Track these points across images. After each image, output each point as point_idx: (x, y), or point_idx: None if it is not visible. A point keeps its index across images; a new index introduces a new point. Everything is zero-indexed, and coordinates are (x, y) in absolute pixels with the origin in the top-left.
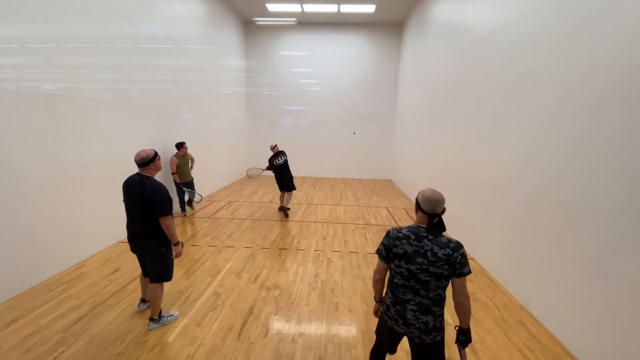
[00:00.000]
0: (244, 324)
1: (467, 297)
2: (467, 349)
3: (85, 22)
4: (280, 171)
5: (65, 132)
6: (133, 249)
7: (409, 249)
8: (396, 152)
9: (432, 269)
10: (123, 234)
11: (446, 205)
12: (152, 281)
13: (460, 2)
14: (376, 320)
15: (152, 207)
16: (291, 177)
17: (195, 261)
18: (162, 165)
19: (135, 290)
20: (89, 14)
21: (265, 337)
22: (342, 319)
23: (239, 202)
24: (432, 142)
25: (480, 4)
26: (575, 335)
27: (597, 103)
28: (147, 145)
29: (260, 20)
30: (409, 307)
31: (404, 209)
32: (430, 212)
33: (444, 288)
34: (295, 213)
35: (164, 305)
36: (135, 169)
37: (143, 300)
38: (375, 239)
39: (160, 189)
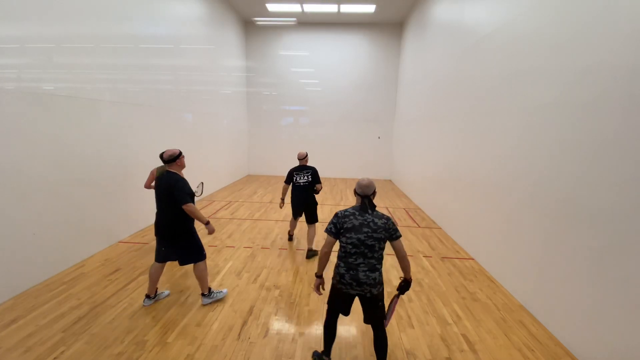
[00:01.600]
0: (244, 324)
1: (405, 254)
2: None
3: (85, 22)
4: (300, 192)
5: (65, 132)
6: (157, 233)
7: (356, 222)
8: (396, 152)
9: (375, 235)
10: (123, 234)
11: (446, 204)
12: (195, 262)
13: (460, 3)
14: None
15: (174, 198)
16: (315, 204)
17: None
18: (184, 163)
19: (135, 290)
20: (89, 14)
21: (265, 337)
22: (342, 319)
23: (239, 202)
24: (432, 142)
25: (480, 4)
26: (575, 335)
27: (596, 103)
28: (147, 144)
29: (260, 20)
30: (361, 269)
31: (404, 209)
32: (362, 195)
33: (383, 249)
34: None
35: (164, 308)
36: (136, 169)
37: (148, 297)
38: None
39: (182, 182)
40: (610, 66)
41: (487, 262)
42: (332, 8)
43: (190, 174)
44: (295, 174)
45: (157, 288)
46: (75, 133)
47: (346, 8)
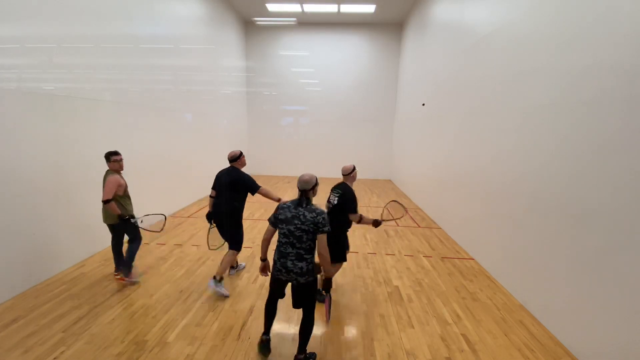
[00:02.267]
0: (244, 324)
1: (325, 249)
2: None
3: (85, 22)
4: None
5: (65, 132)
6: (217, 221)
7: (289, 215)
8: (396, 152)
9: (303, 227)
10: None
11: (446, 204)
12: (232, 248)
13: (460, 3)
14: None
15: (247, 187)
16: (345, 239)
17: (195, 261)
18: (247, 162)
19: (135, 290)
20: (89, 14)
21: None
22: (342, 319)
23: None
24: (432, 142)
25: (480, 4)
26: (575, 335)
27: (596, 103)
28: (147, 144)
29: (260, 20)
30: (289, 257)
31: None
32: (301, 189)
33: (312, 241)
34: None
35: (164, 305)
36: (136, 169)
37: (231, 267)
38: (375, 239)
39: (247, 175)
40: (610, 66)
41: (487, 262)
42: (332, 8)
43: (191, 174)
44: (332, 194)
45: (237, 261)
46: (75, 133)
47: (346, 8)
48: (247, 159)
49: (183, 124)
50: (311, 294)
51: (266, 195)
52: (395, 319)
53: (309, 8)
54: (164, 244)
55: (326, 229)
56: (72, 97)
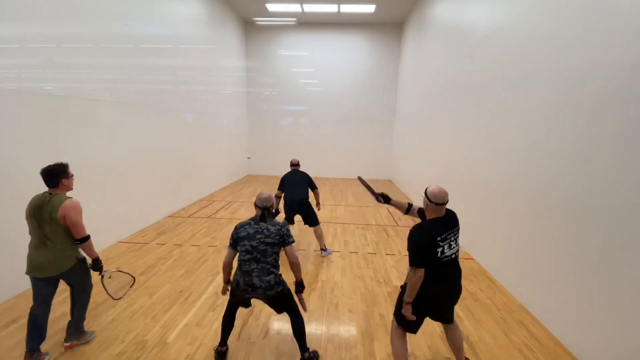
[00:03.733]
0: (244, 324)
1: (297, 258)
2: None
3: (85, 22)
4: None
5: (65, 132)
6: (297, 211)
7: (251, 231)
8: (396, 152)
9: (267, 240)
10: (123, 234)
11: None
12: (315, 225)
13: (460, 3)
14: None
15: (311, 185)
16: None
17: (195, 261)
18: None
19: (135, 290)
20: (89, 14)
21: (265, 337)
22: (342, 319)
23: (239, 202)
24: (432, 142)
25: (480, 4)
26: (575, 335)
27: (597, 103)
28: (147, 144)
29: (260, 20)
30: (254, 274)
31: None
32: (262, 207)
33: (277, 253)
34: None
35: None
36: (136, 169)
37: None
38: (375, 239)
39: (309, 175)
40: (610, 66)
41: (487, 262)
42: (332, 8)
43: (191, 174)
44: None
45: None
46: (75, 133)
47: (346, 8)
48: (247, 158)
49: (183, 124)
50: (288, 300)
51: (318, 194)
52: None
53: (309, 8)
54: (164, 244)
55: (291, 239)
56: (72, 97)
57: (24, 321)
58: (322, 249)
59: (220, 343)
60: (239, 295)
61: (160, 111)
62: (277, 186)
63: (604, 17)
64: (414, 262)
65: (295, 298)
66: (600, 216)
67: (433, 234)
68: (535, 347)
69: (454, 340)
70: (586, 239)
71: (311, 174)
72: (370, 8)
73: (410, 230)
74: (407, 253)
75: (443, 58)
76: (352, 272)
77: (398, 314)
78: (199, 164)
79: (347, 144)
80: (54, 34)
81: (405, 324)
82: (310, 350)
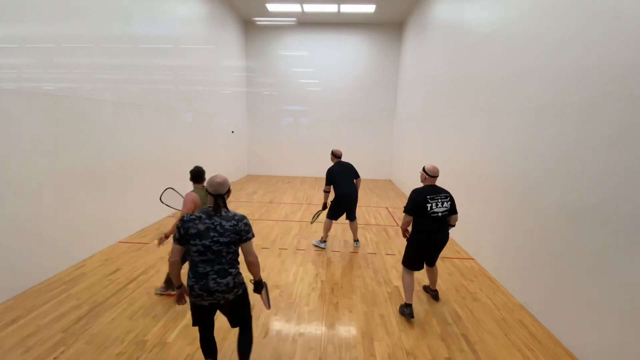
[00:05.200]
0: None
1: (255, 256)
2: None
3: (85, 22)
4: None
5: (65, 132)
6: (347, 206)
7: (202, 227)
8: (396, 152)
9: (222, 239)
10: (123, 234)
11: None
12: (355, 219)
13: (460, 3)
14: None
15: (356, 174)
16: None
17: None
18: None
19: (135, 290)
20: (89, 14)
21: (265, 337)
22: (342, 319)
23: (239, 202)
24: (432, 142)
25: (480, 4)
26: (575, 335)
27: (597, 102)
28: (147, 144)
29: (260, 20)
30: (210, 277)
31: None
32: (215, 194)
33: (234, 252)
34: (295, 213)
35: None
36: (135, 169)
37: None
38: (375, 239)
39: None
40: (610, 66)
41: (487, 262)
42: (332, 8)
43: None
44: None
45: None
46: (75, 133)
47: (346, 8)
48: (247, 158)
49: (183, 124)
50: (246, 306)
51: (359, 183)
52: (395, 319)
53: (309, 8)
54: (164, 244)
55: (250, 235)
56: (72, 97)
57: (24, 321)
58: (355, 241)
59: None
60: (195, 306)
61: (160, 111)
62: (276, 186)
63: (604, 17)
64: (406, 209)
65: (256, 297)
66: (600, 216)
67: (424, 193)
68: (535, 347)
69: (433, 275)
70: (586, 239)
71: (311, 174)
72: (370, 8)
73: (411, 190)
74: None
75: (443, 58)
76: (352, 272)
77: (405, 261)
78: (199, 163)
79: (347, 144)
80: (54, 34)
81: (410, 265)
82: None
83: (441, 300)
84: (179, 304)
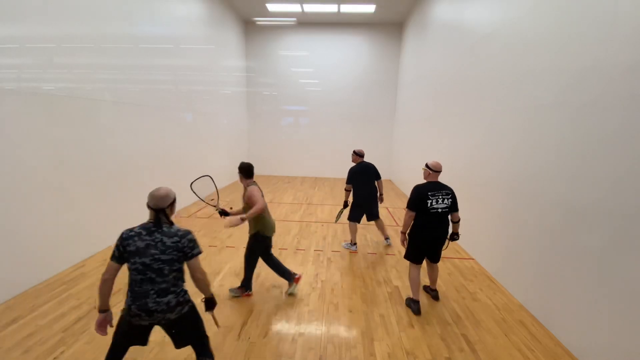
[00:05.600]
0: (244, 324)
1: (203, 273)
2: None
3: (85, 22)
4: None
5: (65, 132)
6: (366, 208)
7: (141, 245)
8: (396, 152)
9: (163, 257)
10: None
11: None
12: (378, 218)
13: (460, 3)
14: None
15: (377, 175)
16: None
17: None
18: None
19: None
20: (89, 14)
21: (265, 337)
22: (342, 319)
23: (239, 202)
24: (432, 142)
25: (479, 4)
26: (575, 335)
27: (597, 103)
28: (147, 144)
29: (260, 20)
30: (150, 297)
31: (404, 209)
32: (155, 208)
33: (178, 270)
34: (295, 213)
35: None
36: (135, 169)
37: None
38: (375, 239)
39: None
40: (610, 66)
41: (487, 262)
42: (332, 8)
43: (191, 174)
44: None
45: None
46: (75, 133)
47: (346, 8)
48: (247, 158)
49: (183, 124)
50: (197, 325)
51: (381, 185)
52: (395, 319)
53: (309, 8)
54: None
55: (196, 251)
56: (72, 97)
57: (24, 321)
58: (386, 238)
59: None
60: (130, 325)
61: (160, 111)
62: (276, 186)
63: (604, 17)
64: (408, 205)
65: (208, 316)
66: (600, 216)
67: (425, 190)
68: (535, 347)
69: (433, 274)
70: (586, 239)
71: (311, 174)
72: (370, 8)
73: (414, 187)
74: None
75: (443, 58)
76: (352, 272)
77: (407, 255)
78: (199, 163)
79: (347, 144)
80: (54, 34)
81: (412, 258)
82: None
83: (441, 300)
84: (100, 333)
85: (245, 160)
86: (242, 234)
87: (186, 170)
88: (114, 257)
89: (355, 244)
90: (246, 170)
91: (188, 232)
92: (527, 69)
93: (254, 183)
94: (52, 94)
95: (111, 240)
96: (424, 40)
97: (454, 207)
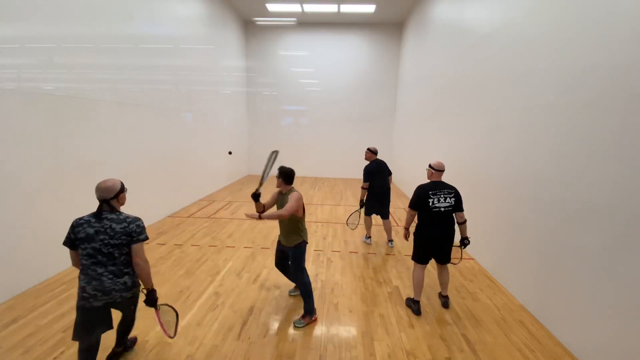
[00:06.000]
0: (244, 324)
1: (144, 260)
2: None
3: (85, 22)
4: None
5: (65, 132)
6: (381, 202)
7: (91, 231)
8: (396, 152)
9: (112, 242)
10: None
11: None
12: (388, 218)
13: (460, 3)
14: None
15: (389, 171)
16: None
17: (195, 261)
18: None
19: None
20: (89, 14)
21: (265, 337)
22: (342, 319)
23: (239, 202)
24: (432, 142)
25: (479, 4)
26: (575, 335)
27: (596, 103)
28: (147, 144)
29: (260, 20)
30: (105, 277)
31: (404, 209)
32: (100, 199)
33: (128, 254)
34: None
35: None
36: (135, 169)
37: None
38: (375, 239)
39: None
40: (610, 66)
41: (487, 262)
42: (332, 8)
43: (190, 174)
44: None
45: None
46: (75, 133)
47: (346, 8)
48: (247, 158)
49: (183, 124)
50: (134, 308)
51: (390, 180)
52: (395, 319)
53: (309, 8)
54: (164, 244)
55: (142, 237)
56: (72, 97)
57: (24, 321)
58: (389, 240)
59: None
60: (84, 309)
61: (160, 111)
62: (276, 186)
63: (604, 17)
64: (410, 204)
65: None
66: (600, 216)
67: (427, 189)
68: (535, 347)
69: (442, 278)
70: (586, 239)
71: (311, 174)
72: (370, 8)
73: (417, 186)
74: (407, 253)
75: (443, 58)
76: (352, 272)
77: (413, 255)
78: (199, 163)
79: (347, 144)
80: (54, 34)
81: (416, 258)
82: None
83: (441, 300)
84: None
85: (246, 160)
86: (242, 234)
87: (186, 170)
88: (66, 244)
89: (369, 237)
90: (287, 175)
91: (137, 219)
92: (527, 69)
93: (294, 189)
94: (52, 94)
95: None
96: (424, 40)
97: (458, 206)
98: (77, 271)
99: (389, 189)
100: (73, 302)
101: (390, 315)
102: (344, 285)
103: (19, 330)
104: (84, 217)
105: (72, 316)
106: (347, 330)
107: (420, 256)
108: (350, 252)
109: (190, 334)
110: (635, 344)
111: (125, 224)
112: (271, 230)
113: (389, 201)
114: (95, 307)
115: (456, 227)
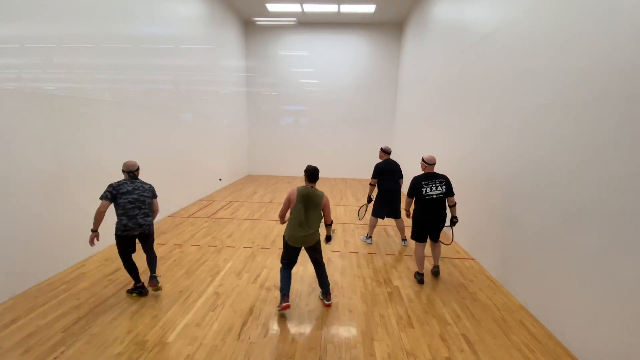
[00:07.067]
0: (244, 324)
1: (158, 208)
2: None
3: (85, 22)
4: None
5: (65, 132)
6: (390, 203)
7: (130, 187)
8: (396, 151)
9: (145, 194)
10: None
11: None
12: (399, 217)
13: (460, 3)
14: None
15: (400, 173)
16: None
17: (195, 261)
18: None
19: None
20: (89, 14)
21: (265, 337)
22: (342, 319)
23: (239, 202)
24: (432, 141)
25: (479, 4)
26: (575, 335)
27: (596, 103)
28: (147, 144)
29: (260, 20)
30: (139, 217)
31: (404, 209)
32: (128, 171)
33: (151, 204)
34: None
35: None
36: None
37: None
38: (375, 239)
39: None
40: (610, 66)
41: (487, 262)
42: (332, 8)
43: (190, 174)
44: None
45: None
46: (75, 133)
47: (346, 8)
48: (247, 158)
49: (183, 124)
50: (152, 238)
51: (401, 183)
52: (395, 319)
53: (309, 8)
54: (164, 244)
55: (156, 194)
56: (72, 97)
57: (24, 321)
58: (403, 239)
59: (136, 282)
60: (125, 237)
61: (160, 111)
62: (276, 186)
63: (604, 16)
64: (407, 193)
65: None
66: (600, 216)
67: (420, 180)
68: (535, 347)
69: (434, 252)
70: (586, 239)
71: None
72: (370, 8)
73: (413, 177)
74: (407, 253)
75: (443, 58)
76: (352, 272)
77: (412, 235)
78: (199, 164)
79: (347, 144)
80: (54, 34)
81: (416, 237)
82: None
83: (441, 300)
84: (90, 244)
85: (246, 160)
86: (241, 234)
87: (186, 170)
88: (106, 198)
89: (370, 237)
90: (309, 174)
91: (151, 185)
92: (526, 69)
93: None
94: (52, 94)
95: (111, 241)
96: (424, 40)
97: (449, 192)
98: (77, 271)
99: (398, 191)
100: (73, 302)
101: (390, 315)
102: (344, 285)
103: (19, 330)
104: (119, 181)
105: (72, 316)
106: (347, 330)
107: (418, 235)
108: (350, 252)
109: (190, 334)
110: (636, 343)
111: (148, 185)
112: (271, 230)
113: (399, 203)
114: (131, 236)
115: (448, 210)
